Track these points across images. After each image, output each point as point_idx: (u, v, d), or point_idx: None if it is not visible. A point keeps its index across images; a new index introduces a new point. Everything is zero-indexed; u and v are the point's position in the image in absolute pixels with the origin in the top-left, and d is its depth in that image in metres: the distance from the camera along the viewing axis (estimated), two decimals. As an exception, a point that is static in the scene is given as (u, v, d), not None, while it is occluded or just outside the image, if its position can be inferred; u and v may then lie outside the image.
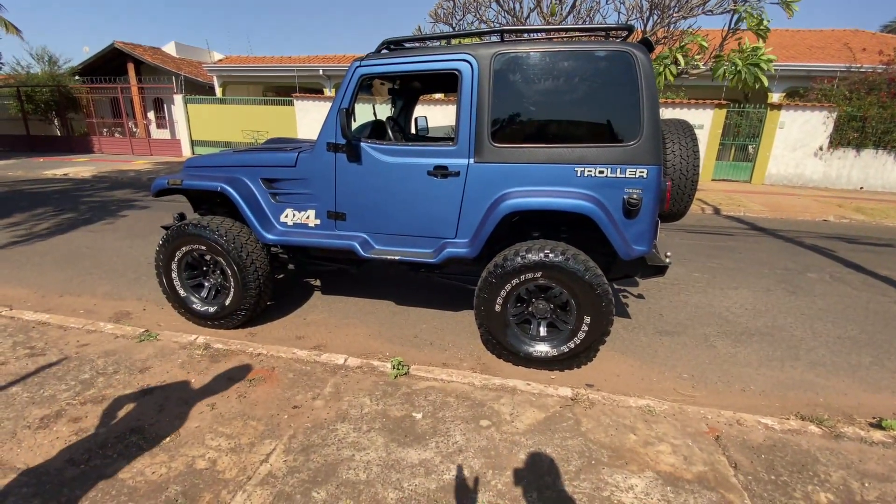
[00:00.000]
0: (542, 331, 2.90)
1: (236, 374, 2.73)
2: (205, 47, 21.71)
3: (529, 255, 2.68)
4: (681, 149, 3.07)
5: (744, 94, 13.65)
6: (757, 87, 6.69)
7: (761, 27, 6.75)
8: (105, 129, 19.54)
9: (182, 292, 3.43)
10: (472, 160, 2.80)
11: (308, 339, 3.33)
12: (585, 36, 2.89)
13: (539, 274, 2.71)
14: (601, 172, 2.64)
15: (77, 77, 19.28)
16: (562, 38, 3.23)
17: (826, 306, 4.20)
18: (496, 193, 2.79)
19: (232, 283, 3.26)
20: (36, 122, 19.15)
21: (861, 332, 3.69)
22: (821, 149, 11.83)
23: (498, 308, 2.83)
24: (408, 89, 4.16)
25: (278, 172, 3.20)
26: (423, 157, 2.88)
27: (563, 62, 2.62)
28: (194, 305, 3.43)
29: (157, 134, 19.57)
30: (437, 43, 3.28)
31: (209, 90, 18.36)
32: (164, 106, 19.42)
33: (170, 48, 20.86)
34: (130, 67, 18.37)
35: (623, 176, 2.62)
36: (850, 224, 8.16)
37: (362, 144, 2.96)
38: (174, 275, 3.40)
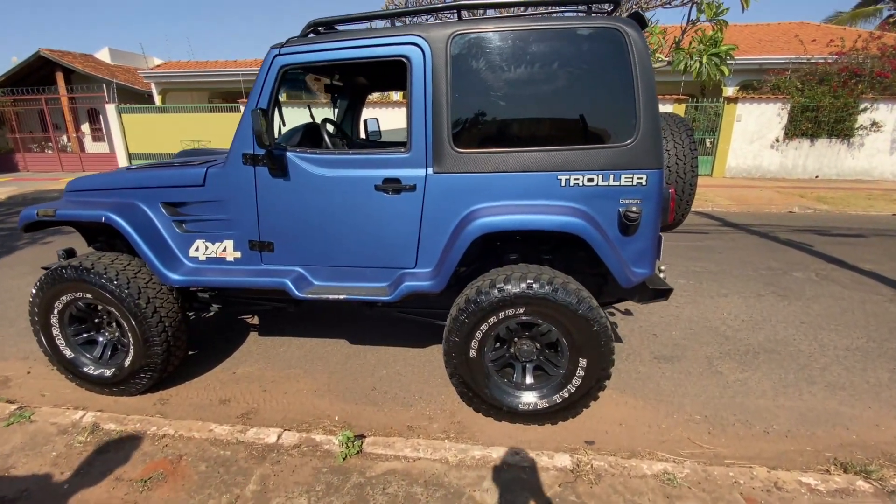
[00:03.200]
0: (529, 378, 2.35)
1: (128, 472, 2.02)
2: (141, 53, 20.16)
3: (508, 287, 2.12)
4: (676, 147, 2.60)
5: (700, 89, 13.77)
6: (718, 78, 6.48)
7: (720, 13, 6.52)
8: (35, 145, 17.73)
9: (68, 353, 2.66)
10: (430, 170, 2.21)
11: (235, 404, 2.64)
12: (562, 11, 2.33)
13: (522, 309, 2.15)
14: (590, 181, 2.12)
15: (-3, 89, 17.43)
16: (535, 14, 2.67)
17: (822, 311, 3.87)
18: (463, 211, 2.22)
19: (130, 340, 2.54)
20: (-53, 140, 17.13)
21: (868, 341, 3.35)
22: (777, 140, 11.99)
23: (473, 353, 2.26)
24: (350, 86, 3.54)
25: (183, 194, 2.50)
26: (368, 169, 2.27)
27: (538, 44, 2.08)
28: (86, 369, 2.67)
29: (94, 148, 17.93)
30: (384, 24, 2.68)
31: (148, 98, 16.98)
32: (101, 117, 17.81)
33: (103, 55, 19.25)
34: (59, 76, 16.71)
35: (617, 184, 2.11)
36: (816, 214, 8.12)
37: (289, 154, 2.32)
38: (55, 331, 2.63)
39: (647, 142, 2.06)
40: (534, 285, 2.10)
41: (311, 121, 2.89)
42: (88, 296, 2.49)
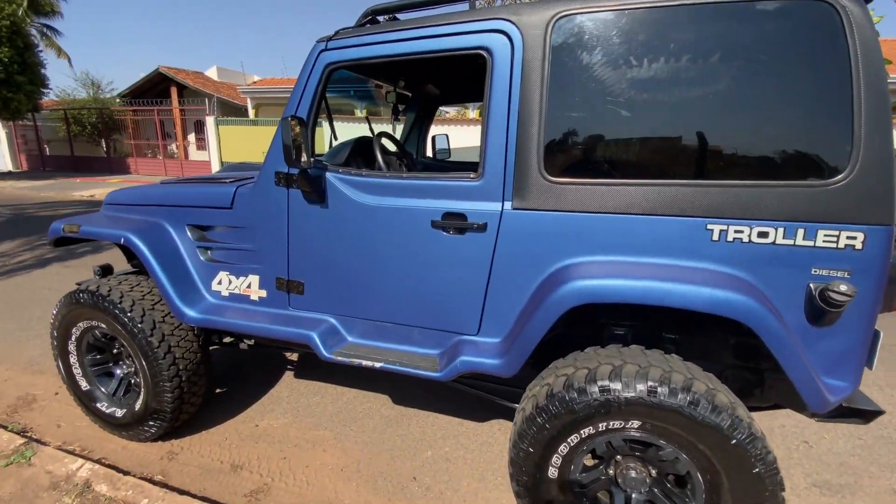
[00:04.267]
0: (633, 518, 1.58)
1: (91, 570, 1.57)
2: (248, 71, 21.95)
3: (617, 388, 1.40)
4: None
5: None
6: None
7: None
8: (149, 151, 19.86)
9: (84, 384, 2.36)
10: (508, 204, 1.59)
11: (247, 473, 2.14)
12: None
13: (635, 423, 1.42)
14: (763, 236, 1.36)
15: (118, 100, 19.91)
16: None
17: None
18: (552, 265, 1.57)
19: (141, 380, 2.17)
20: (83, 144, 19.76)
21: None
22: None
23: (553, 473, 1.55)
24: (418, 95, 3.03)
25: (210, 216, 2.10)
26: (424, 198, 1.70)
27: (692, 26, 1.39)
28: (99, 404, 2.35)
29: (197, 155, 19.66)
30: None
31: (245, 112, 18.29)
32: (205, 128, 19.57)
33: (212, 72, 21.21)
34: (173, 91, 18.65)
35: (810, 244, 1.33)
36: None
37: (328, 175, 1.82)
38: (73, 359, 2.35)
39: (872, 180, 1.27)
40: (659, 390, 1.36)
41: (364, 135, 2.41)
42: (103, 325, 2.16)
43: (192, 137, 20.18)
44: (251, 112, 16.94)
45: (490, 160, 1.60)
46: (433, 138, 3.26)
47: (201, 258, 2.14)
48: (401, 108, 2.82)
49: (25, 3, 17.08)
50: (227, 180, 2.16)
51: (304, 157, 1.70)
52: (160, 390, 2.12)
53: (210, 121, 15.15)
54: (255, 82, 18.19)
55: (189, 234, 2.16)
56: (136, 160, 18.28)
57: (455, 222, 1.65)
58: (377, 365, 1.79)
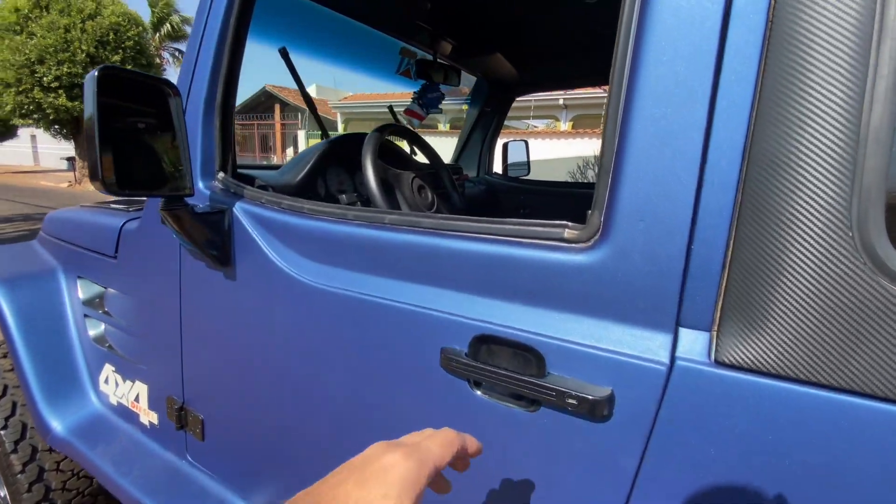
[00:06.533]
0: None
1: None
2: (339, 87, 22.91)
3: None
4: None
5: None
6: None
7: None
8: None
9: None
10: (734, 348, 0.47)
11: None
12: None
13: None
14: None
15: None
16: None
17: None
18: None
19: (2, 518, 1.37)
20: (199, 156, 21.89)
21: None
22: None
23: None
24: (484, 72, 1.95)
25: (95, 266, 1.25)
26: (461, 288, 0.63)
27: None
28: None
29: (291, 167, 20.76)
30: None
31: (335, 126, 18.86)
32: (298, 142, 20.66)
33: (312, 90, 22.39)
34: (277, 107, 19.94)
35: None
36: None
37: (237, 208, 0.84)
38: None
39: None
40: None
41: (353, 132, 1.32)
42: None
43: (290, 151, 21.40)
44: (340, 126, 17.36)
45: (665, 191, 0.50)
46: (505, 146, 2.17)
47: (90, 334, 1.29)
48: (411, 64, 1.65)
49: (164, 30, 19.44)
50: (125, 206, 1.28)
51: (182, 169, 0.75)
52: (17, 545, 1.30)
53: (301, 134, 15.69)
54: (344, 98, 18.69)
55: (80, 291, 1.32)
56: (239, 171, 19.72)
57: (531, 389, 0.56)
58: None
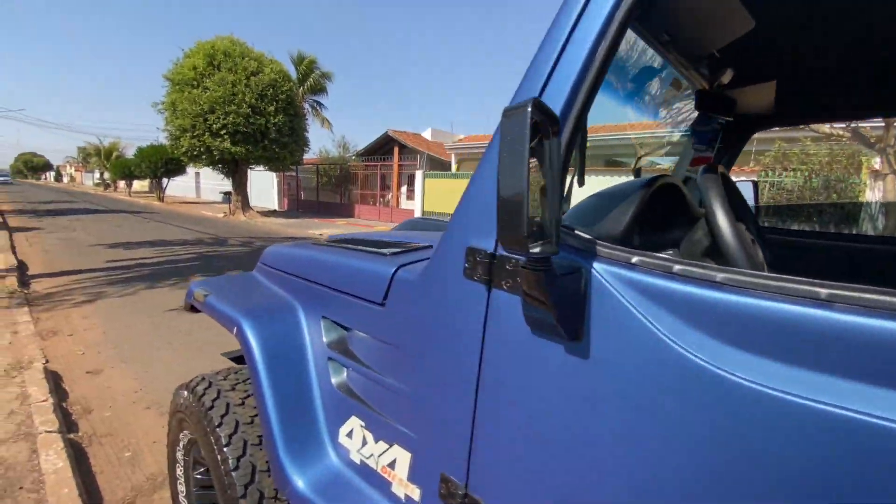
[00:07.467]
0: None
1: None
2: (454, 131, 24.08)
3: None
4: None
5: None
6: None
7: None
8: (370, 200, 23.19)
9: (186, 506, 1.71)
10: None
11: None
12: None
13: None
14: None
15: (354, 157, 24.20)
16: None
17: None
18: None
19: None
20: (327, 192, 24.31)
21: None
22: None
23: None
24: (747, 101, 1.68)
25: (350, 311, 1.19)
26: None
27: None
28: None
29: (406, 205, 21.96)
30: None
31: (449, 167, 19.65)
32: (415, 181, 21.92)
33: (427, 133, 23.84)
34: (396, 150, 21.54)
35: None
36: None
37: (600, 270, 0.67)
38: (179, 471, 1.72)
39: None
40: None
41: (661, 176, 1.13)
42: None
43: (404, 189, 22.75)
44: (454, 167, 18.01)
45: None
46: (755, 185, 1.84)
47: (333, 381, 1.23)
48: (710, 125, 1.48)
49: (307, 84, 22.39)
50: (389, 250, 1.23)
51: (546, 226, 0.61)
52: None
53: (419, 174, 16.57)
54: (459, 140, 19.48)
55: (323, 333, 1.29)
56: (360, 206, 21.35)
57: None
58: None
